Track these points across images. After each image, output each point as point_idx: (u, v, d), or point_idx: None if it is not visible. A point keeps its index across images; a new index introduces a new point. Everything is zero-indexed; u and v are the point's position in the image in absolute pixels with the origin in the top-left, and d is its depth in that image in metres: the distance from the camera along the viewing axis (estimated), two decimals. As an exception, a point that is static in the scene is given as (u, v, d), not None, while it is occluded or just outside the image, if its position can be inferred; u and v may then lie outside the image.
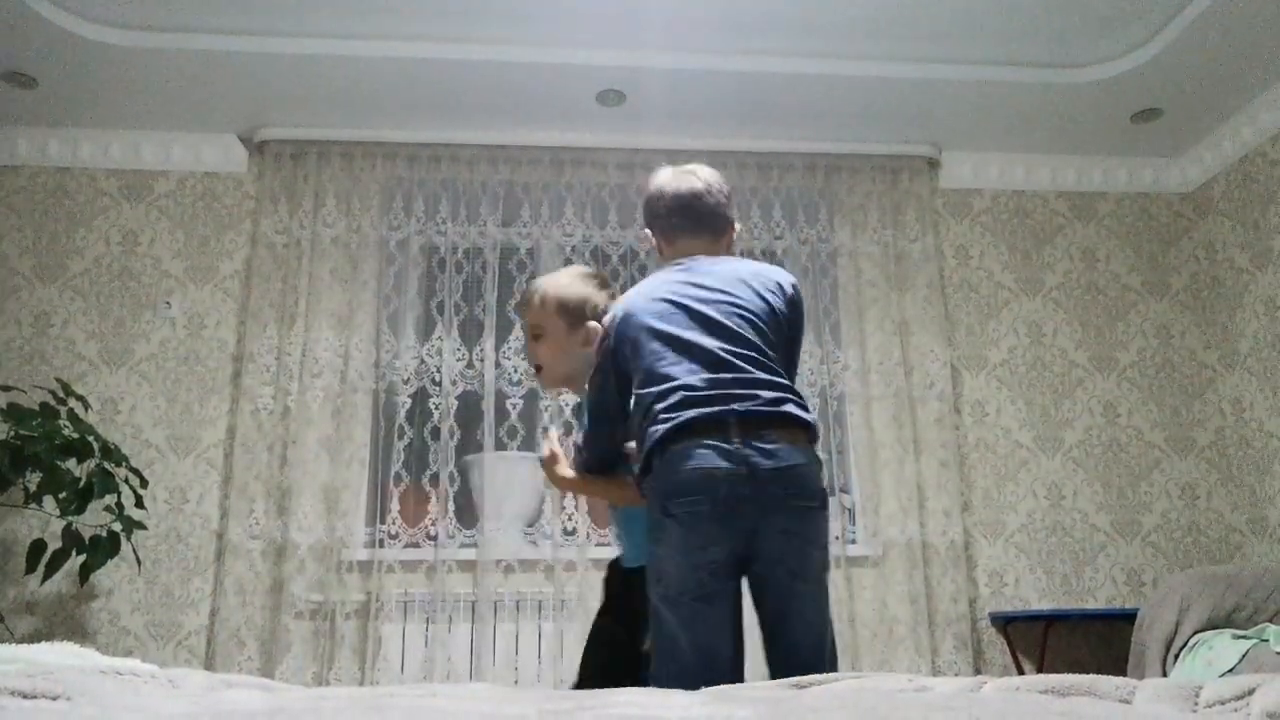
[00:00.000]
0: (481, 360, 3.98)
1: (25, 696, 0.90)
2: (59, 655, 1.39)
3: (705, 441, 1.76)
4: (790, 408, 1.84)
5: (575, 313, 2.05)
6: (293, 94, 3.92)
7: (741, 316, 1.89)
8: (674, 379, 1.81)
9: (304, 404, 3.85)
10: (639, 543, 1.90)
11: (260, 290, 4.00)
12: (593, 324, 2.03)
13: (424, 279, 4.13)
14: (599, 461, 2.01)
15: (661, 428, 1.78)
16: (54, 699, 0.91)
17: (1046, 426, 4.22)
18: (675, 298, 1.90)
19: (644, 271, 4.18)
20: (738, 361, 1.84)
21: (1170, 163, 4.53)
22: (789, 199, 4.30)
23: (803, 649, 1.80)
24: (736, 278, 1.96)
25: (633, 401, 1.89)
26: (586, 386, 2.00)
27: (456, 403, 3.92)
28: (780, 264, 4.24)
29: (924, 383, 4.12)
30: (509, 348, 4.01)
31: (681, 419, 1.77)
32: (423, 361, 3.99)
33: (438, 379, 3.95)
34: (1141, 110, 4.11)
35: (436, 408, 3.91)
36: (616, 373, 1.92)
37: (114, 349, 3.96)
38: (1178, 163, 4.52)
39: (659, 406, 1.80)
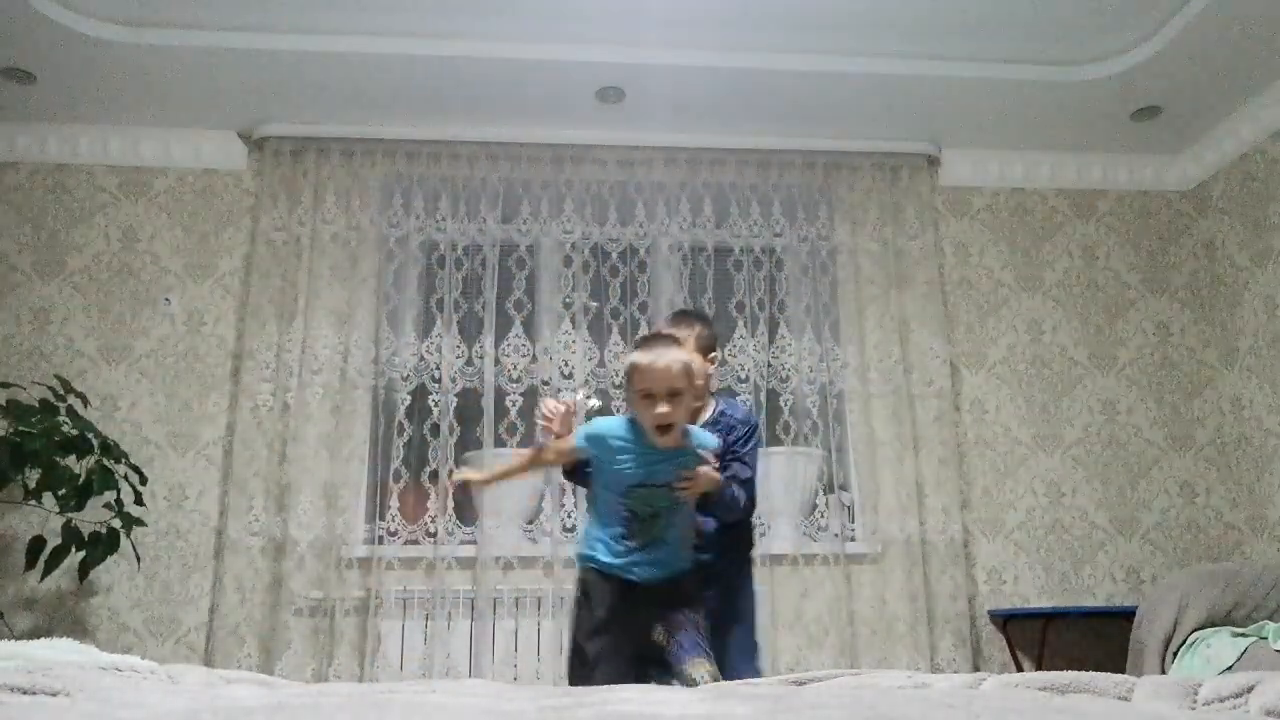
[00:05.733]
0: (481, 357, 3.98)
1: (25, 692, 0.90)
2: (59, 652, 1.40)
3: None
4: None
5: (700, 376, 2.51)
6: (292, 90, 3.91)
7: None
8: None
9: (303, 401, 3.85)
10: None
11: (260, 287, 4.00)
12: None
13: (423, 276, 4.13)
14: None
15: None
16: (54, 695, 0.91)
17: (1046, 424, 4.22)
18: None
19: (643, 270, 4.18)
20: None
21: (1170, 160, 4.53)
22: (788, 196, 4.30)
23: None
24: None
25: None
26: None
27: (456, 400, 3.92)
28: (780, 261, 4.26)
29: (923, 380, 4.12)
30: (508, 344, 4.00)
31: None
32: (422, 358, 3.99)
33: (437, 376, 3.95)
34: (1141, 108, 4.11)
35: (436, 405, 3.91)
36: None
37: (113, 345, 3.96)
38: (1178, 160, 4.52)
39: None
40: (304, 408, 3.84)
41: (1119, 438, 4.24)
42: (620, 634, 2.31)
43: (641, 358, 2.33)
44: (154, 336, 3.99)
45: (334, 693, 1.02)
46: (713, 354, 2.70)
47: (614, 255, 4.18)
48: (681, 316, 2.76)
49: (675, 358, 2.32)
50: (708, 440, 2.43)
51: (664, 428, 2.30)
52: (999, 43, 3.78)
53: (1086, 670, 1.21)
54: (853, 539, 3.99)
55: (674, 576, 2.35)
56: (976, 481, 4.13)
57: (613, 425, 2.39)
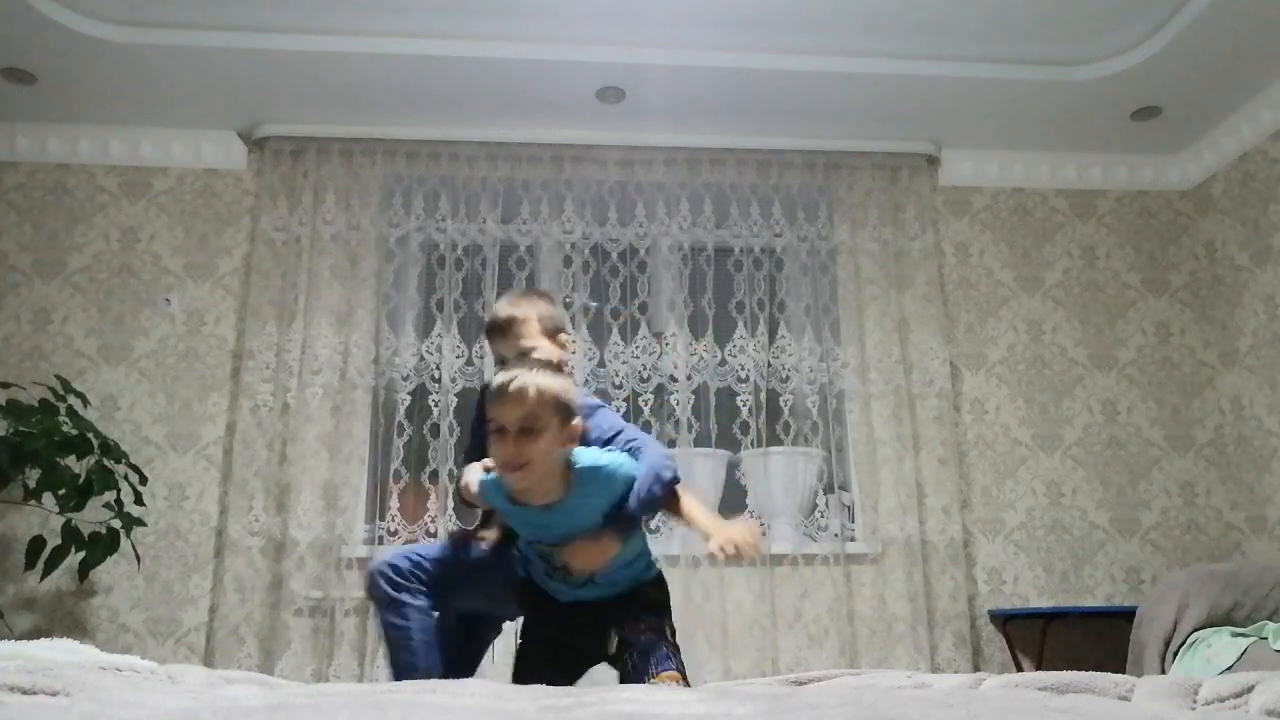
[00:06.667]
0: (481, 357, 3.98)
1: (25, 692, 0.90)
2: (58, 652, 1.40)
3: None
4: None
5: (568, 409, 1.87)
6: (292, 90, 3.91)
7: None
8: None
9: (303, 401, 3.85)
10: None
11: (260, 287, 4.00)
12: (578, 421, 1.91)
13: (423, 276, 4.12)
14: None
15: None
16: (53, 695, 0.91)
17: (1046, 424, 4.22)
18: None
19: (643, 270, 4.18)
20: None
21: (1170, 160, 4.53)
22: (788, 196, 4.30)
23: None
24: None
25: None
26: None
27: (456, 400, 3.92)
28: (780, 261, 4.25)
29: (923, 380, 4.12)
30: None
31: None
32: (422, 358, 3.99)
33: (437, 376, 3.95)
34: (1141, 108, 4.11)
35: (436, 405, 3.91)
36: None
37: (113, 345, 3.96)
38: (1178, 160, 4.52)
39: None
40: (304, 408, 3.84)
41: (1119, 438, 4.24)
42: (549, 644, 1.98)
43: (498, 377, 1.81)
44: (154, 336, 3.99)
45: (334, 692, 1.02)
46: (562, 335, 2.30)
47: (614, 255, 4.18)
48: (522, 294, 2.33)
49: (535, 381, 1.76)
50: (613, 471, 1.85)
51: (516, 471, 1.77)
52: (999, 43, 3.78)
53: (1086, 670, 1.21)
54: (853, 539, 3.99)
55: (627, 591, 1.98)
56: (976, 481, 4.13)
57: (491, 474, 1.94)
